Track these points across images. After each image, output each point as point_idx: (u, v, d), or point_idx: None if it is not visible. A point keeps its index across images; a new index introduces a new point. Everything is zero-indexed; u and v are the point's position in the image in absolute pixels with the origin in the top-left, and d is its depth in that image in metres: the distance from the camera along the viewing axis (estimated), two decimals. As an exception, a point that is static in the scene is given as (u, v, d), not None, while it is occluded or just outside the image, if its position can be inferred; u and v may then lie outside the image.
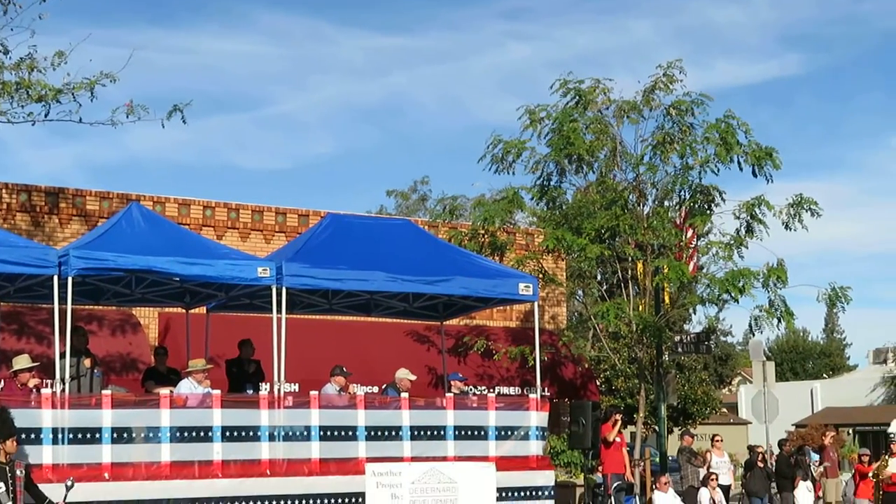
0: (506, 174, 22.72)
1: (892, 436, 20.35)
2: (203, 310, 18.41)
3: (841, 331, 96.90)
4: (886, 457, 20.26)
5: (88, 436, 13.75)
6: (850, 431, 56.25)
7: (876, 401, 69.79)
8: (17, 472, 12.65)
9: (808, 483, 22.93)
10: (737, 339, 67.71)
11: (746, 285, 21.40)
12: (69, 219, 22.10)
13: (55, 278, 14.08)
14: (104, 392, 14.40)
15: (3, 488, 12.51)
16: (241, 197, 40.29)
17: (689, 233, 22.90)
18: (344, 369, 16.87)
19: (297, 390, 16.78)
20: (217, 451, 14.45)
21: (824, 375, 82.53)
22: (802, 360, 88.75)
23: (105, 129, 19.21)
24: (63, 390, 13.93)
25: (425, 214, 39.07)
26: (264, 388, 16.89)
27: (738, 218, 22.54)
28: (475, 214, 22.65)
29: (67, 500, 13.12)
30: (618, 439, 20.62)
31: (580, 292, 35.38)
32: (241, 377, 17.58)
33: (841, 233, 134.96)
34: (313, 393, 15.58)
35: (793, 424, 56.27)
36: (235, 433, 14.62)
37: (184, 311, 18.34)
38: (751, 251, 22.61)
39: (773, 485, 22.54)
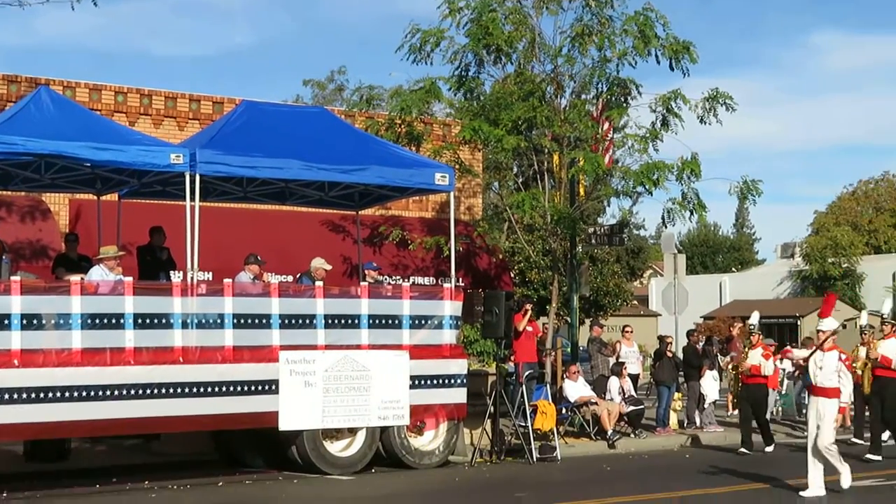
0: (424, 64, 22.46)
1: (752, 327, 20.10)
2: (115, 197, 18.16)
3: (750, 226, 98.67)
4: (746, 349, 20.21)
5: (-3, 322, 13.60)
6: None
7: (782, 294, 71.46)
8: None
9: (714, 373, 23.45)
10: (649, 233, 68.63)
11: (661, 178, 21.54)
12: (-26, 102, 21.55)
13: (-40, 162, 13.78)
14: (13, 278, 14.22)
15: None
16: (155, 84, 39.42)
17: (606, 125, 22.92)
18: (258, 258, 16.81)
19: (210, 279, 16.66)
20: (129, 338, 14.40)
21: (733, 269, 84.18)
22: (712, 253, 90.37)
23: (13, 11, 18.67)
24: (-30, 277, 13.74)
25: (342, 104, 38.57)
26: (177, 276, 16.79)
27: (655, 111, 22.55)
28: (392, 104, 22.42)
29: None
30: (529, 329, 20.90)
31: (496, 184, 35.46)
32: (154, 265, 17.44)
33: (755, 130, 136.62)
34: (227, 281, 15.54)
35: (701, 316, 57.42)
36: (148, 320, 14.58)
37: (95, 197, 18.07)
38: (666, 145, 22.83)
39: (681, 374, 23.01)
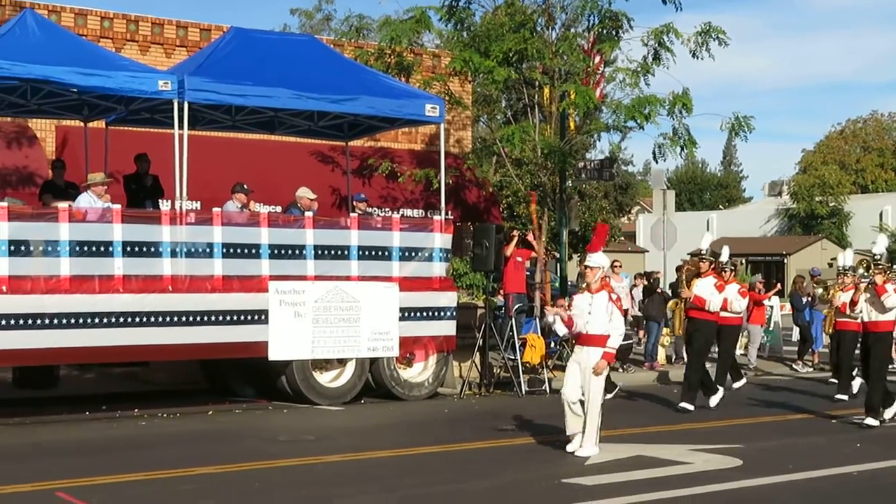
0: (414, -6, 22.27)
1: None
2: (102, 124, 17.97)
3: (738, 163, 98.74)
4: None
5: (-17, 248, 13.48)
6: (744, 261, 57.66)
7: (769, 232, 71.60)
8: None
9: (702, 308, 23.43)
10: (637, 169, 68.57)
11: (652, 112, 21.42)
12: (-41, 26, 21.19)
13: (-56, 84, 13.58)
14: (0, 204, 14.07)
15: None
16: (142, 10, 39.18)
17: (597, 59, 22.76)
18: (245, 186, 16.68)
19: (198, 208, 16.55)
20: (118, 265, 14.31)
21: (720, 207, 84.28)
22: (700, 191, 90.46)
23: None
24: (-44, 202, 13.59)
25: (330, 35, 38.23)
26: (164, 205, 16.66)
27: (646, 45, 22.39)
28: (382, 34, 22.18)
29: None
30: (519, 259, 20.82)
31: (484, 118, 35.26)
32: (140, 193, 17.29)
33: (744, 67, 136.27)
34: (216, 210, 15.43)
35: (688, 253, 57.48)
36: (136, 248, 14.47)
37: (82, 124, 17.88)
38: (656, 81, 22.57)
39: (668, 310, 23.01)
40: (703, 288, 16.52)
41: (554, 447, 12.70)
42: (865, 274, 15.60)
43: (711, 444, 12.91)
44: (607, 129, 23.95)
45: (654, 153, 22.61)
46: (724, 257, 18.56)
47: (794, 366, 23.48)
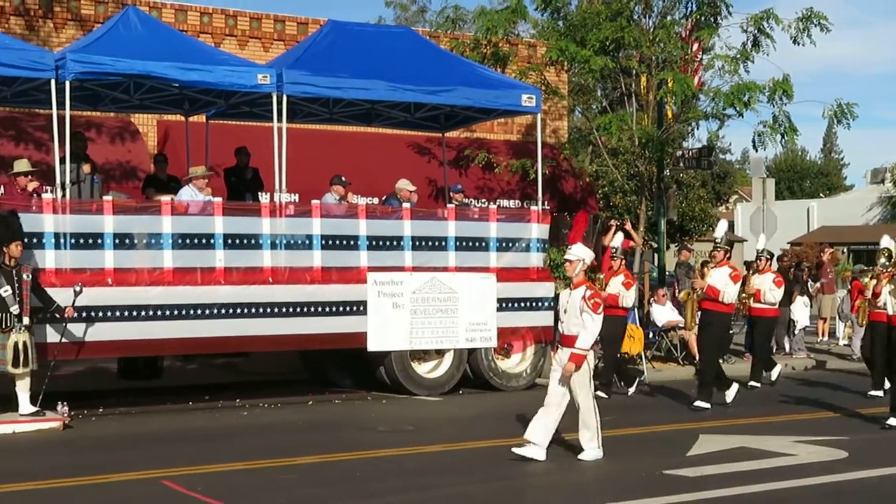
0: (509, -17, 22.20)
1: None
2: (202, 118, 18.21)
3: (839, 151, 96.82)
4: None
5: (90, 241, 13.77)
6: (845, 250, 56.65)
7: (872, 220, 70.10)
8: (24, 276, 12.72)
9: (805, 298, 23.10)
10: (735, 157, 67.73)
11: (752, 99, 21.17)
12: (64, 23, 21.63)
13: (52, 82, 13.85)
14: (105, 198, 14.35)
15: (10, 291, 12.57)
16: (239, 4, 39.52)
17: (695, 46, 22.54)
18: (343, 178, 16.78)
19: (296, 200, 16.69)
20: (219, 258, 14.49)
21: (821, 195, 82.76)
22: (800, 179, 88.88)
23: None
24: (63, 195, 13.87)
25: (425, 26, 38.31)
26: (263, 197, 16.84)
27: (746, 31, 22.15)
28: (478, 24, 22.19)
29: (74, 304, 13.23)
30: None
31: (580, 107, 35.07)
32: (240, 185, 17.48)
33: (843, 52, 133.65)
34: (315, 202, 15.54)
35: (788, 242, 56.60)
36: (237, 241, 14.65)
37: (183, 118, 18.14)
38: (754, 68, 22.34)
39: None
40: (718, 278, 15.50)
41: (655, 438, 12.59)
42: (887, 264, 14.47)
43: (816, 436, 12.69)
44: (705, 117, 23.80)
45: (753, 141, 22.39)
46: (760, 245, 18.17)
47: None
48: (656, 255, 24.97)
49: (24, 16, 21.36)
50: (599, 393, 15.71)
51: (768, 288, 17.38)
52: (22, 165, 14.41)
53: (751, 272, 18.61)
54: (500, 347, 16.81)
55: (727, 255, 15.78)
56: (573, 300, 11.20)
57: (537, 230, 16.98)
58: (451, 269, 16.18)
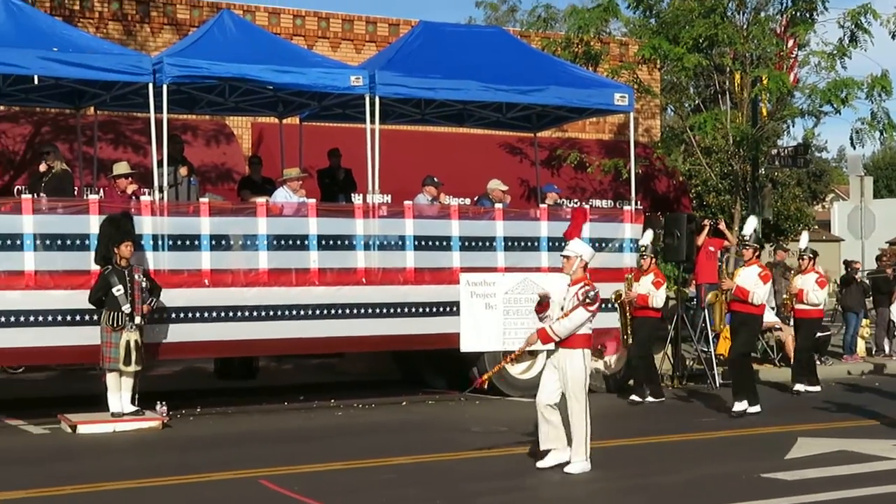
0: (600, -19, 22.08)
1: (644, 249, 15.96)
2: (296, 120, 18.37)
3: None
4: (630, 277, 16.21)
5: (187, 243, 13.95)
6: (945, 249, 55.46)
7: (973, 218, 68.41)
8: (136, 277, 12.95)
9: (904, 299, 22.66)
10: (831, 155, 66.63)
11: (849, 95, 20.81)
12: (160, 28, 22.01)
13: (150, 86, 14.05)
14: (202, 200, 14.54)
15: (122, 290, 12.82)
16: (331, 6, 39.87)
17: (790, 42, 22.25)
18: (435, 179, 16.81)
19: (389, 201, 16.76)
20: (314, 259, 14.60)
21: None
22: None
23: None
24: (161, 198, 14.09)
25: (515, 26, 38.28)
26: (356, 198, 16.94)
27: (842, 27, 21.79)
28: (569, 23, 22.11)
29: (169, 305, 13.44)
30: (711, 249, 20.41)
31: (670, 106, 34.78)
32: (334, 187, 17.60)
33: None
34: (407, 203, 15.59)
35: (887, 242, 55.46)
36: (331, 242, 14.74)
37: (277, 120, 18.31)
38: (852, 64, 21.98)
39: (869, 300, 22.30)
40: (747, 278, 14.79)
41: (752, 440, 12.42)
42: None
43: (919, 440, 12.42)
44: (801, 115, 23.47)
45: (850, 138, 22.04)
46: (803, 244, 17.68)
47: None
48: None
49: (121, 21, 21.76)
50: (634, 397, 15.78)
51: (811, 288, 17.01)
52: (121, 168, 14.68)
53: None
54: (593, 348, 16.67)
55: (756, 254, 15.18)
56: (570, 297, 10.65)
57: (630, 230, 16.83)
58: (543, 270, 16.10)
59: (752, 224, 15.45)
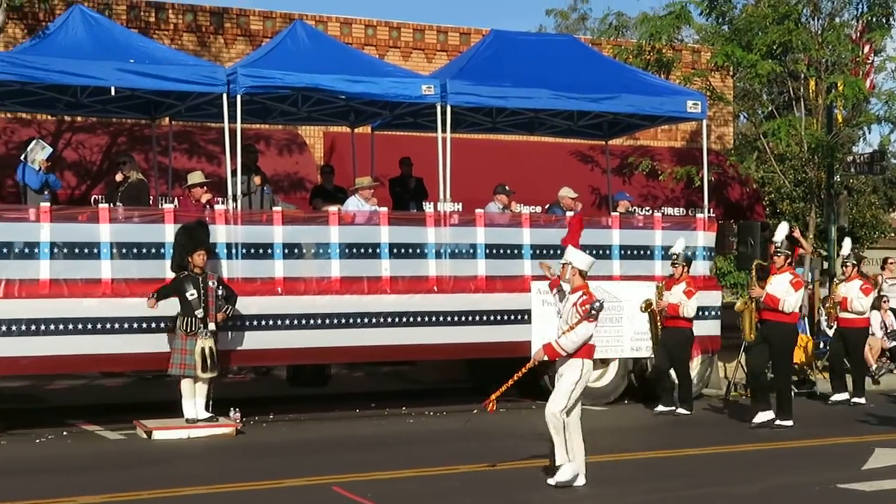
0: (673, -12, 21.98)
1: (675, 257, 15.58)
2: (367, 129, 18.47)
3: None
4: (661, 285, 15.87)
5: (261, 251, 14.09)
6: None
7: None
8: (210, 284, 13.11)
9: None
10: (908, 162, 65.47)
11: (927, 101, 20.57)
12: (234, 39, 22.25)
13: (224, 97, 14.23)
14: (275, 209, 14.67)
15: (195, 295, 13.00)
16: (403, 16, 39.98)
17: (866, 48, 21.98)
18: (507, 188, 16.82)
19: (460, 209, 16.80)
20: (385, 267, 14.66)
21: None
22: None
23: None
24: (235, 207, 14.24)
25: (586, 34, 38.20)
26: (428, 206, 16.97)
27: (921, 32, 21.54)
28: (641, 31, 22.06)
29: (243, 313, 13.56)
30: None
31: (744, 113, 34.50)
32: (405, 195, 17.67)
33: None
34: (479, 211, 15.61)
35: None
36: (403, 250, 14.80)
37: (349, 129, 18.42)
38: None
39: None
40: (778, 285, 14.21)
41: (829, 451, 12.25)
42: None
43: None
44: (877, 121, 23.13)
45: (928, 145, 21.69)
46: (846, 250, 17.25)
47: None
48: (825, 263, 24.35)
49: (195, 32, 22.03)
50: (681, 410, 15.37)
51: (855, 296, 16.63)
52: (196, 177, 14.85)
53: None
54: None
55: (788, 261, 14.53)
56: (569, 305, 10.57)
57: (703, 238, 16.71)
58: (615, 278, 16.04)
59: (782, 231, 14.79)
